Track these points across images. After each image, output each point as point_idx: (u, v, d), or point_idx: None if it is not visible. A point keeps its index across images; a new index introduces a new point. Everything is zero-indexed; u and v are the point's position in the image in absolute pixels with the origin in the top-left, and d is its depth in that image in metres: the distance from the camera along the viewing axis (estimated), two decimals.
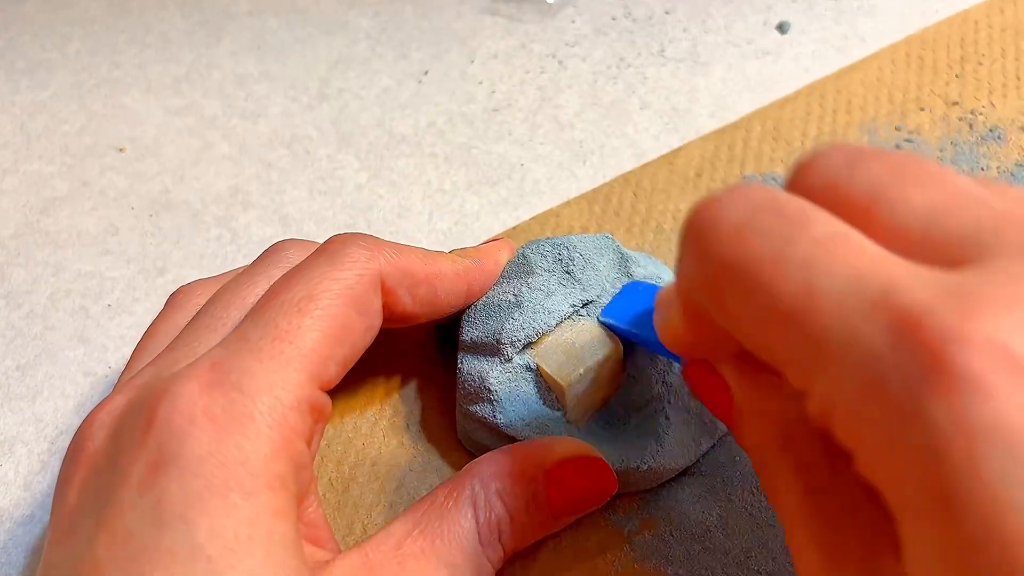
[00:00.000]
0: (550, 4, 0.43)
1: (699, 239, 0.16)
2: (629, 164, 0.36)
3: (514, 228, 0.34)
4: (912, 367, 0.12)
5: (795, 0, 0.42)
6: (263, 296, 0.22)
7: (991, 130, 0.35)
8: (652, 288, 0.26)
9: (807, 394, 0.14)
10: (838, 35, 0.40)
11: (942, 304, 0.13)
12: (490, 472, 0.23)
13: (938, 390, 0.12)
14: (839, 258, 0.14)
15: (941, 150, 0.34)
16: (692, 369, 0.21)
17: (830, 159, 0.17)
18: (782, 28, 0.41)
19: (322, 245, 0.24)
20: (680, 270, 0.17)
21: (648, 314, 0.24)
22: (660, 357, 0.26)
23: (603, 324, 0.26)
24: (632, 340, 0.26)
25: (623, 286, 0.27)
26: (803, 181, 0.17)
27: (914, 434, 0.12)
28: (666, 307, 0.20)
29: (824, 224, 0.15)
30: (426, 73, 0.41)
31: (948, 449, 0.12)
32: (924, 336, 0.12)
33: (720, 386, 0.20)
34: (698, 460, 0.26)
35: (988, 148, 0.34)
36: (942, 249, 0.14)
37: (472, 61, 0.41)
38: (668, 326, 0.20)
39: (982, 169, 0.33)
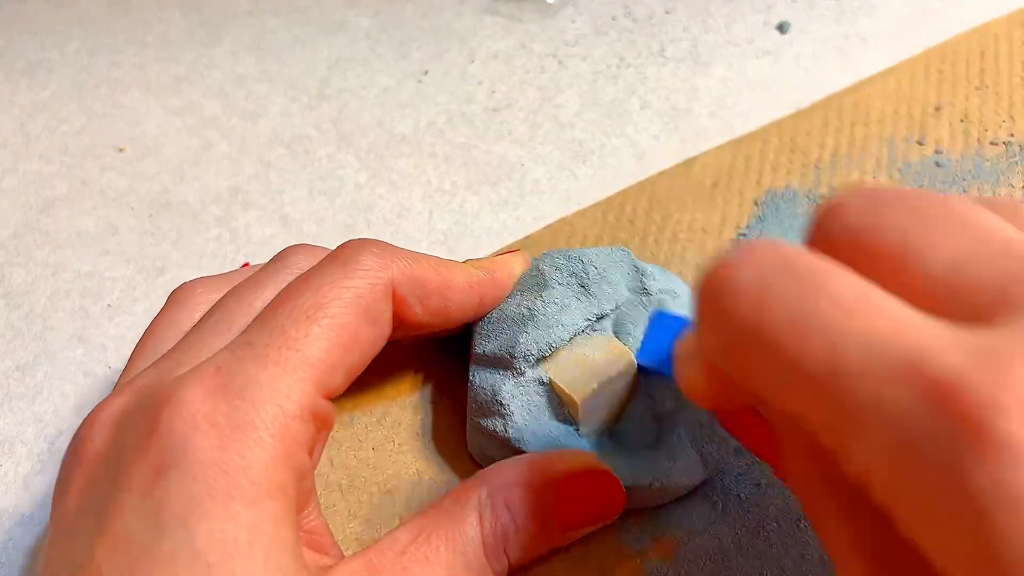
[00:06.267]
0: (550, 4, 0.43)
1: (715, 304, 0.15)
2: (629, 164, 0.36)
3: (527, 238, 0.33)
4: (950, 435, 0.12)
5: (795, 0, 0.42)
6: (271, 302, 0.22)
7: (1013, 144, 0.34)
8: (680, 321, 0.25)
9: (841, 456, 0.14)
10: (838, 35, 0.40)
11: (974, 369, 0.12)
12: (499, 481, 0.23)
13: (979, 458, 0.12)
14: (862, 321, 0.13)
15: (962, 165, 0.33)
16: (725, 414, 0.20)
17: (852, 206, 0.16)
18: (782, 28, 0.41)
19: (334, 251, 0.23)
20: (699, 334, 0.17)
21: None
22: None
23: (642, 368, 0.25)
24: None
25: (652, 317, 0.26)
26: (826, 231, 0.16)
27: (957, 502, 0.12)
28: (686, 361, 0.19)
29: (843, 283, 0.14)
30: (426, 73, 0.41)
31: (993, 517, 0.12)
32: (960, 404, 0.12)
33: (755, 426, 0.19)
34: (710, 478, 0.26)
35: (1010, 162, 0.33)
36: (969, 302, 0.14)
37: (472, 61, 0.41)
38: (690, 382, 0.19)
39: (1011, 186, 0.33)
